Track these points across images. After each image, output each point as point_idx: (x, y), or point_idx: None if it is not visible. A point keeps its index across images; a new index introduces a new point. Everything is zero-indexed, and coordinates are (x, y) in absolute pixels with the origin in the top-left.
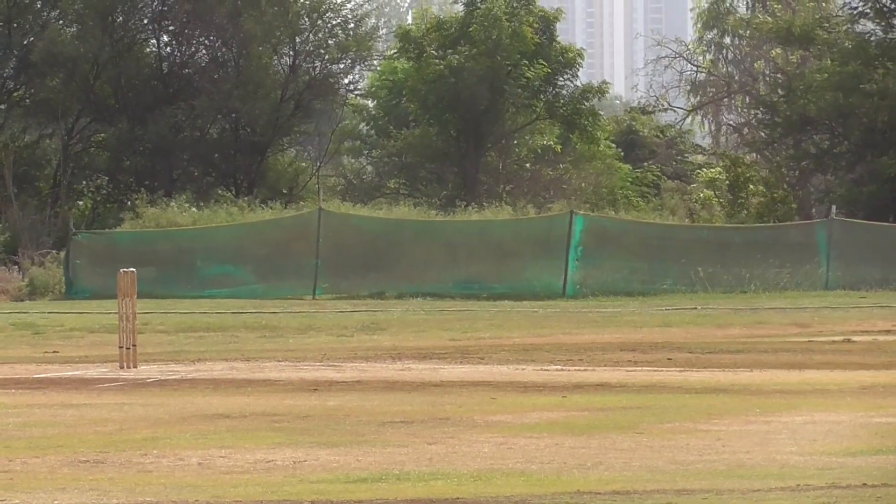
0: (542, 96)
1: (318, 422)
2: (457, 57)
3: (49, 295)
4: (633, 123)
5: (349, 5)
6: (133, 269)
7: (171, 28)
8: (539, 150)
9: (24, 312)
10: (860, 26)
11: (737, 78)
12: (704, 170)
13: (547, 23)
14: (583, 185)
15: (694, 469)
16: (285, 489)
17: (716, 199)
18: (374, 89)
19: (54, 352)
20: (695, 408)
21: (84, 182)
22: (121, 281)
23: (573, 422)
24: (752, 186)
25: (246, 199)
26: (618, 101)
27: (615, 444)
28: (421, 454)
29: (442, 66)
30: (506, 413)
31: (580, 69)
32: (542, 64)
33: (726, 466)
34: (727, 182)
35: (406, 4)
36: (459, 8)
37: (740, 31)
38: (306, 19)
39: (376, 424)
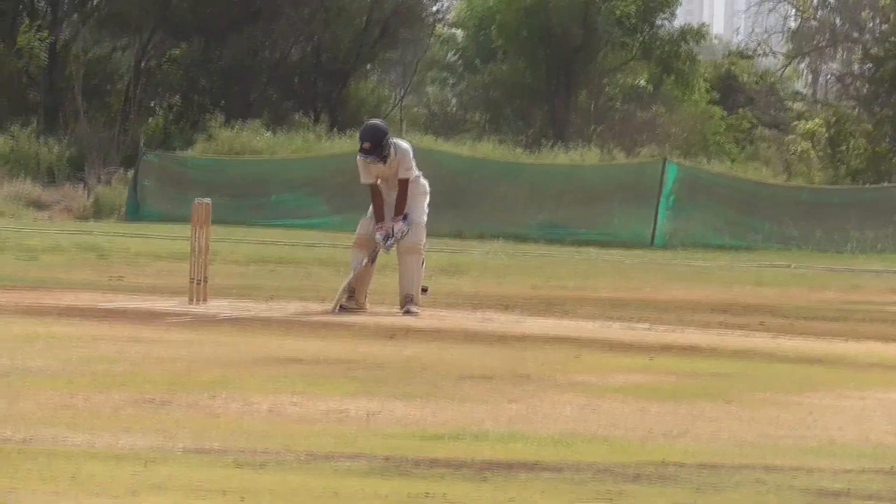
0: (637, 35)
1: (394, 371)
2: None
3: (114, 216)
4: (732, 68)
5: None
6: (209, 201)
7: None
8: (628, 92)
9: (88, 233)
10: None
11: (839, 25)
12: (803, 121)
13: None
14: (674, 130)
15: (784, 444)
16: (358, 442)
17: (813, 153)
18: (463, 19)
19: (119, 278)
20: (787, 378)
21: (156, 100)
22: (196, 212)
23: (660, 386)
24: (852, 141)
25: (323, 126)
26: (716, 41)
27: (703, 413)
28: (500, 412)
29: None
30: (590, 373)
31: (679, 7)
32: None
33: (817, 443)
34: (827, 136)
35: None
36: None
37: None
38: None
39: (454, 378)
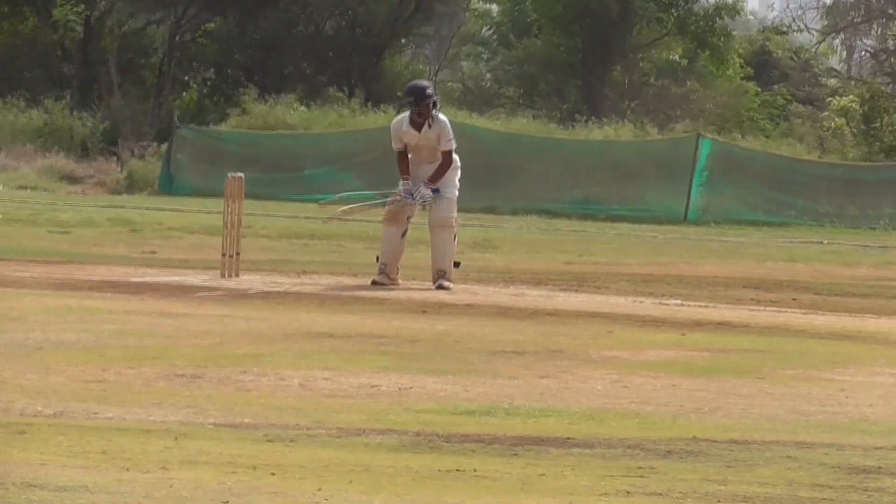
0: (673, 11)
1: (426, 347)
2: None
3: (147, 190)
4: (767, 43)
5: None
6: (242, 175)
7: None
8: (662, 67)
9: (120, 207)
10: None
11: (874, 1)
12: (837, 98)
13: None
14: (709, 106)
15: (815, 420)
16: (390, 418)
17: (848, 128)
18: None
19: (152, 252)
20: (819, 354)
21: (190, 74)
22: (229, 186)
23: (692, 362)
24: (886, 117)
25: (357, 101)
26: (752, 17)
27: (734, 389)
28: (532, 388)
29: None
30: (622, 348)
31: None
32: None
33: (849, 420)
34: (861, 112)
35: None
36: None
37: None
38: None
39: (486, 353)
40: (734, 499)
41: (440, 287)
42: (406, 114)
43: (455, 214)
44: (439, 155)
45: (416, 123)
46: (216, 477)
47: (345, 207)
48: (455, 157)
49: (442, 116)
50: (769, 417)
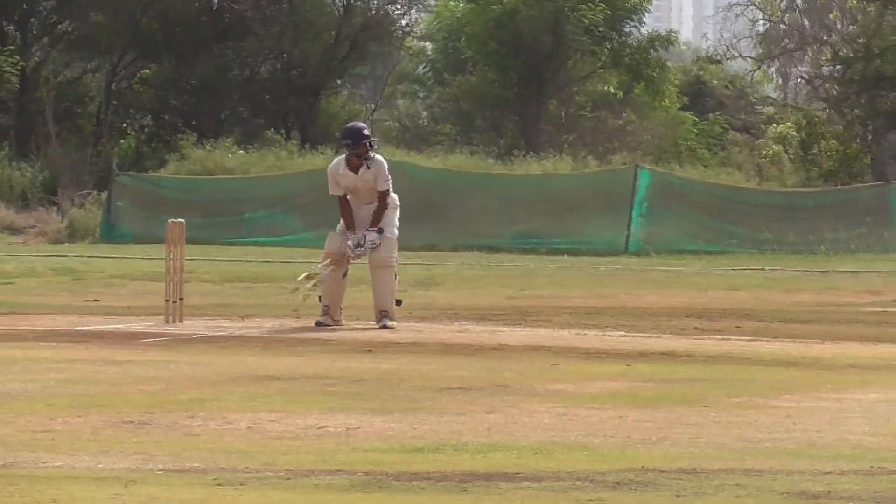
0: (607, 44)
1: (372, 386)
2: None
3: (88, 238)
4: (702, 73)
5: None
6: (182, 220)
7: None
8: (598, 100)
9: (63, 256)
10: None
11: (808, 27)
12: (774, 125)
13: None
14: (646, 136)
15: (763, 447)
16: (338, 458)
17: (785, 155)
18: (432, 31)
19: (95, 300)
20: (764, 382)
21: (128, 121)
22: (170, 231)
23: (637, 393)
24: (824, 143)
25: (295, 142)
26: (685, 48)
27: (681, 419)
28: (479, 423)
29: (499, 9)
30: (567, 381)
31: (646, 14)
32: (602, 6)
33: (796, 445)
34: (798, 139)
35: None
36: None
37: None
38: None
39: (432, 390)
40: None
41: (384, 327)
42: (342, 157)
43: (395, 254)
44: (377, 196)
45: (354, 165)
46: None
47: (307, 285)
48: (394, 196)
49: (379, 157)
50: (717, 446)
